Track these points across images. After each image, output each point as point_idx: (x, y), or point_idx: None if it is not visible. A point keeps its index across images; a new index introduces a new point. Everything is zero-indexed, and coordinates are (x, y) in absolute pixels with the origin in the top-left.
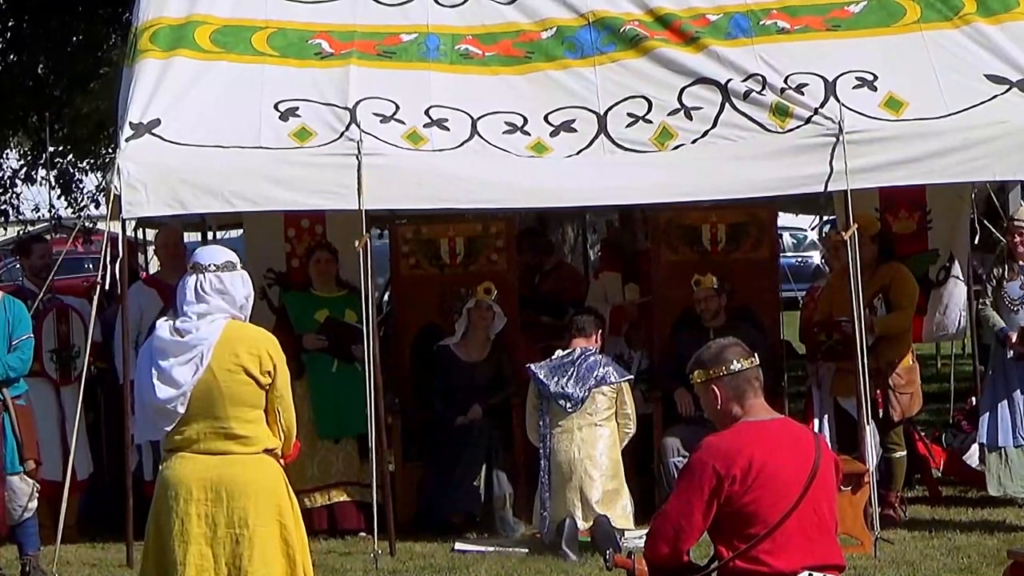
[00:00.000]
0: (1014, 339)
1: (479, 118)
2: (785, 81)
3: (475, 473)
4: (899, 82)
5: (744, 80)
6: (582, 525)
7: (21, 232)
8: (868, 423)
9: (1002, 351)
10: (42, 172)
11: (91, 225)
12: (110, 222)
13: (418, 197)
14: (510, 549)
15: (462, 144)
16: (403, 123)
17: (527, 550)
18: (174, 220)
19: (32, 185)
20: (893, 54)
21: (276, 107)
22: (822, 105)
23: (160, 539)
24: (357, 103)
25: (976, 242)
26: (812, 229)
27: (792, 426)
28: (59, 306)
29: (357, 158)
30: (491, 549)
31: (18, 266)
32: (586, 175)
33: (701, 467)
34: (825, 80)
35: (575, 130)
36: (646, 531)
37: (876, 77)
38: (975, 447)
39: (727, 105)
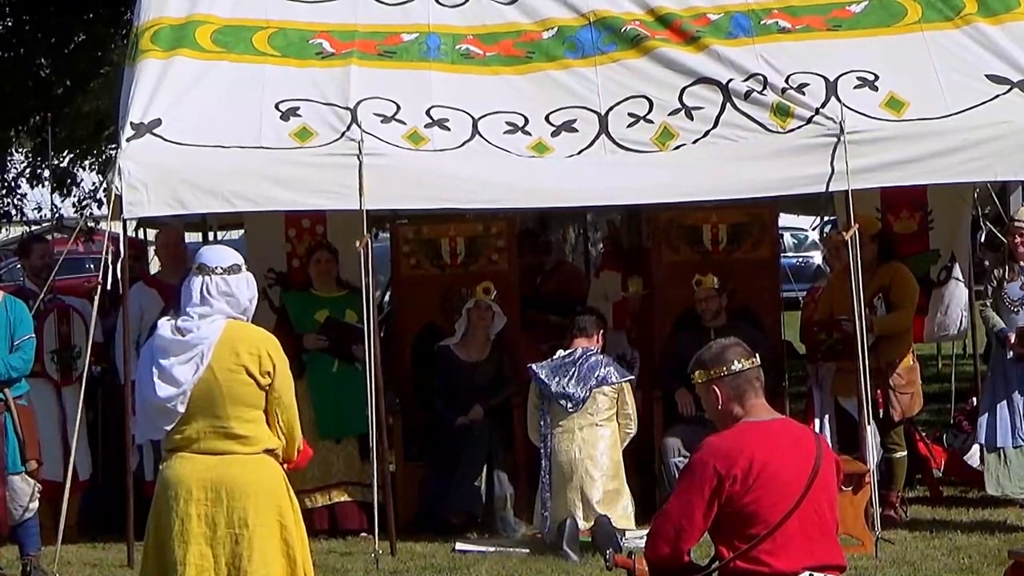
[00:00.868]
0: (1013, 340)
1: (480, 118)
2: (786, 81)
3: (476, 473)
4: (900, 82)
5: (745, 80)
6: (583, 525)
7: (24, 233)
8: (869, 423)
9: (1002, 352)
10: (45, 172)
11: (92, 225)
12: (111, 222)
13: (419, 197)
14: (511, 549)
15: (463, 144)
16: (404, 123)
17: (528, 550)
18: (175, 220)
19: (36, 186)
20: (894, 54)
21: (277, 107)
22: (823, 105)
23: (160, 539)
24: (358, 103)
25: (983, 241)
26: (813, 229)
27: (793, 426)
28: (60, 306)
29: (358, 158)
30: (492, 549)
31: (19, 266)
32: (587, 175)
33: (702, 467)
34: (826, 80)
35: (576, 130)
36: (647, 531)
37: (877, 77)
38: (976, 447)
39: (728, 105)
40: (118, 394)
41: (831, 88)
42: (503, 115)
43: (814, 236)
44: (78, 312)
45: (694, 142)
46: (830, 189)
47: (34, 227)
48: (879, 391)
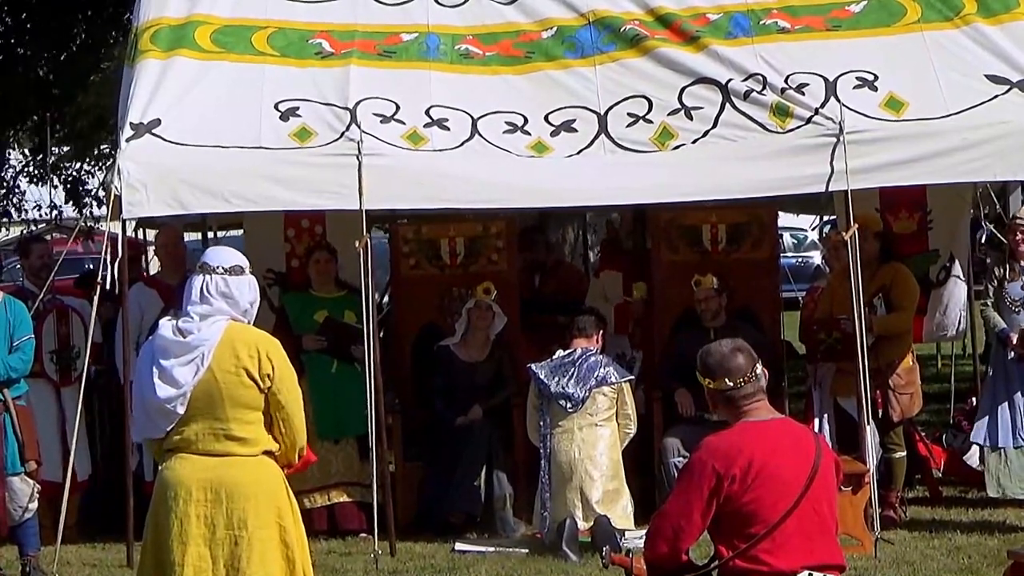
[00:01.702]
0: (1015, 340)
1: (479, 118)
2: (786, 81)
3: (475, 473)
4: (900, 82)
5: (744, 80)
6: (582, 525)
7: (24, 232)
8: (868, 423)
9: (1002, 352)
10: (44, 172)
11: (92, 225)
12: (110, 222)
13: (418, 197)
14: (510, 549)
15: (462, 144)
16: (403, 123)
17: (527, 550)
18: (174, 220)
19: (39, 185)
20: (893, 54)
21: (276, 107)
22: (823, 105)
23: (159, 539)
24: (357, 103)
25: (983, 240)
26: (812, 229)
27: (793, 426)
28: (59, 307)
29: (357, 158)
30: (491, 549)
31: (19, 266)
32: (586, 175)
33: (701, 466)
34: (825, 80)
35: (575, 130)
36: (646, 531)
37: (877, 77)
38: (975, 447)
39: (727, 105)
40: (117, 394)
41: (830, 88)
42: (502, 115)
43: (814, 236)
44: (77, 312)
45: (693, 142)
46: (829, 189)
47: (33, 227)
48: (878, 391)
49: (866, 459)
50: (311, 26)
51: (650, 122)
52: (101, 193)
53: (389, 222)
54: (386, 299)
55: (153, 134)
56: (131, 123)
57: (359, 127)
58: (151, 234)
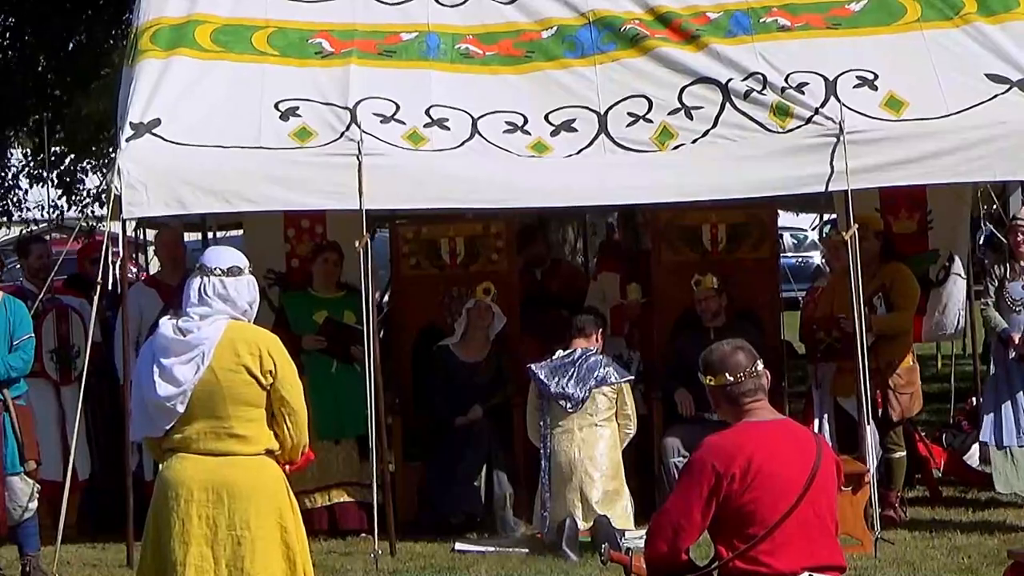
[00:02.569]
0: (1017, 340)
1: (479, 118)
2: (786, 80)
3: (475, 473)
4: (900, 82)
5: (744, 79)
6: (582, 525)
7: (24, 232)
8: (868, 423)
9: (1004, 351)
10: (44, 172)
11: (92, 225)
12: (111, 222)
13: (418, 197)
14: (510, 549)
15: (462, 144)
16: (403, 123)
17: (527, 550)
18: (174, 220)
19: (37, 185)
20: (894, 53)
21: (276, 107)
22: (823, 105)
23: (159, 539)
24: (357, 103)
25: (983, 241)
26: (812, 229)
27: (794, 427)
28: (59, 306)
29: (358, 158)
30: (491, 549)
31: (18, 266)
32: (586, 175)
33: (701, 466)
34: (826, 79)
35: (575, 130)
36: (646, 531)
37: (877, 76)
38: (975, 447)
39: (727, 105)
40: (117, 394)
41: (830, 88)
42: (502, 115)
43: (814, 236)
44: (77, 312)
45: (693, 142)
46: (829, 189)
47: (34, 227)
48: (878, 391)
49: (866, 459)
50: (311, 26)
51: (650, 122)
52: (100, 192)
53: (389, 222)
54: (386, 299)
55: (153, 134)
56: (131, 123)
57: (359, 127)
58: (151, 234)
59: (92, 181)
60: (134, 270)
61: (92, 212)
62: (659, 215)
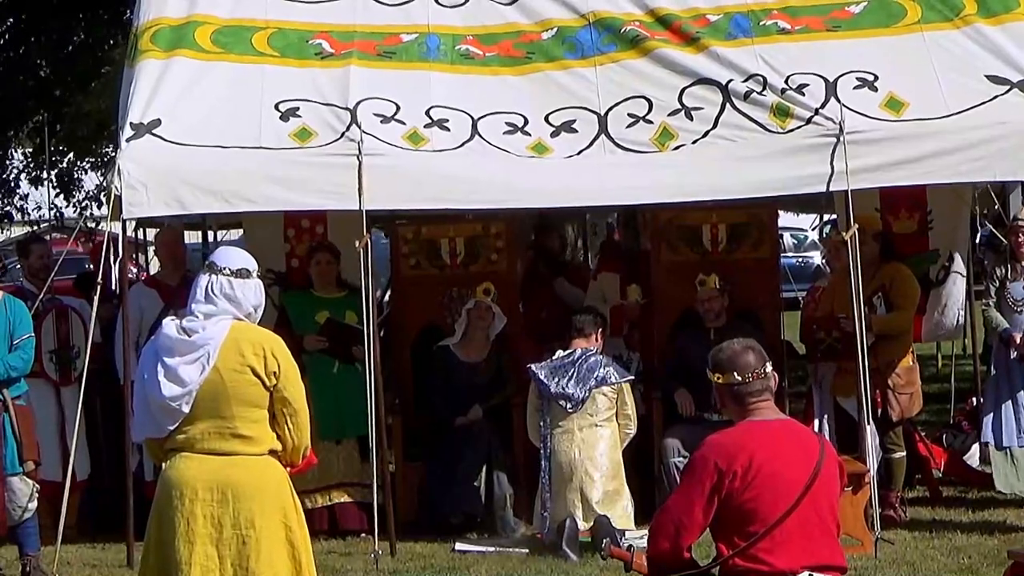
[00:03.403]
0: (1018, 339)
1: (479, 118)
2: (786, 81)
3: (476, 473)
4: (900, 82)
5: (744, 80)
6: (583, 525)
7: (25, 232)
8: (868, 423)
9: (1005, 351)
10: (44, 173)
11: (92, 225)
12: (111, 222)
13: (418, 197)
14: (510, 549)
15: (462, 144)
16: (403, 123)
17: (527, 550)
18: (174, 220)
19: (38, 186)
20: (894, 54)
21: (276, 107)
22: (823, 106)
23: (162, 539)
24: (358, 103)
25: (983, 241)
26: (813, 229)
27: (796, 427)
28: (59, 306)
29: (358, 158)
30: (491, 549)
31: (18, 266)
32: (586, 175)
33: (703, 463)
34: (826, 80)
35: (576, 130)
36: (646, 531)
37: (877, 77)
38: (975, 447)
39: (728, 105)
40: (117, 394)
41: (831, 88)
42: (503, 115)
43: (814, 236)
44: (77, 312)
45: (694, 142)
46: (830, 189)
47: (33, 227)
48: (878, 391)
49: (866, 459)
50: (311, 26)
51: (650, 123)
52: (102, 196)
53: (389, 222)
54: (387, 299)
55: (153, 134)
56: (131, 123)
57: (359, 127)
58: (151, 234)
59: (92, 181)
60: (134, 270)
61: (91, 212)
62: (659, 215)
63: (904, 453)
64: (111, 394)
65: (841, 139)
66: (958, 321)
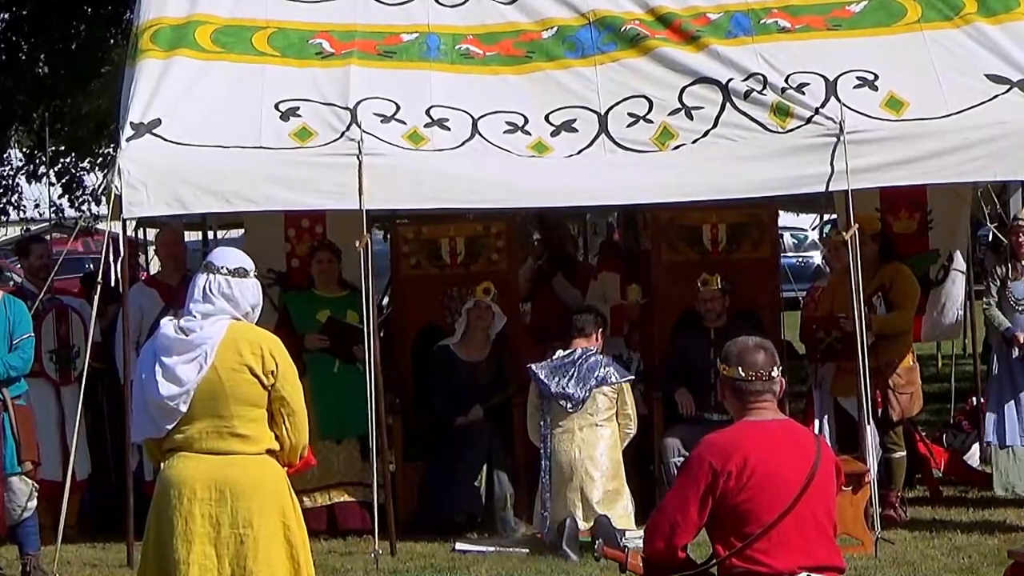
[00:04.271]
0: (1021, 339)
1: (480, 118)
2: (786, 80)
3: (476, 473)
4: (900, 82)
5: (745, 79)
6: (583, 525)
7: (23, 231)
8: (868, 423)
9: (1006, 350)
10: (43, 171)
11: (92, 225)
12: (111, 222)
13: (419, 197)
14: (511, 549)
15: (463, 144)
16: (404, 123)
17: (528, 550)
18: (174, 220)
19: (35, 183)
20: (894, 54)
21: (277, 107)
22: (823, 105)
23: (161, 538)
24: (358, 103)
25: (983, 241)
26: (813, 229)
27: (794, 427)
28: (59, 306)
29: (358, 158)
30: (492, 549)
31: (18, 266)
32: (587, 175)
33: (698, 463)
34: (826, 80)
35: (576, 130)
36: (645, 529)
37: (877, 77)
38: (976, 447)
39: (728, 105)
40: (118, 394)
41: (831, 88)
42: (503, 115)
43: (814, 236)
44: (76, 312)
45: (694, 142)
46: (830, 189)
47: (33, 227)
48: (878, 391)
49: (866, 459)
50: (311, 26)
51: (650, 122)
52: (102, 196)
53: (389, 222)
54: (387, 299)
55: (153, 134)
56: (131, 123)
57: (359, 127)
58: (151, 234)
59: (93, 180)
60: (143, 269)
61: (90, 212)
62: (659, 215)
63: (904, 453)
64: (115, 393)
65: (841, 139)
66: (957, 320)
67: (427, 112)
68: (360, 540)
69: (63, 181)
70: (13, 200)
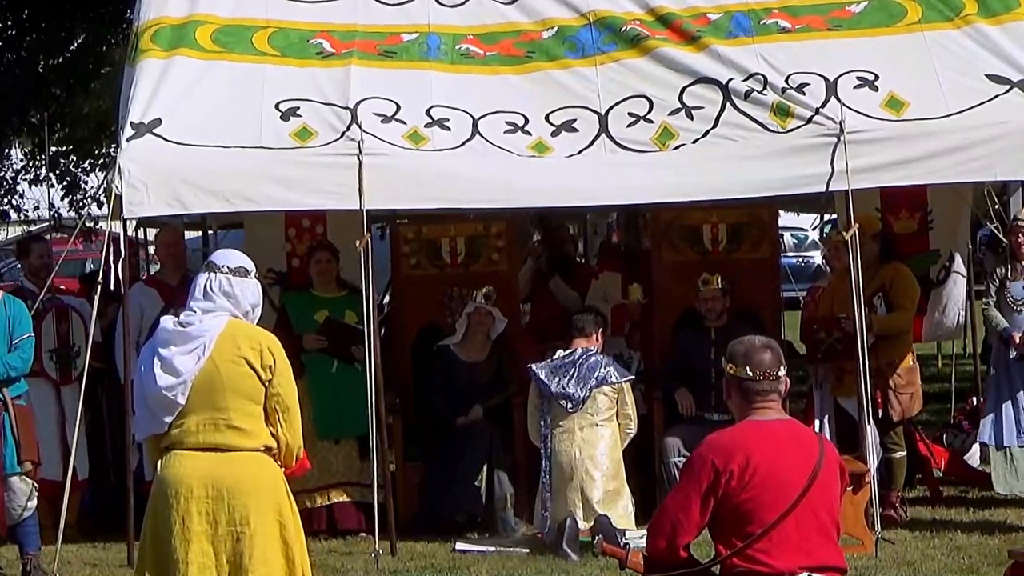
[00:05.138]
0: (1018, 339)
1: (480, 118)
2: (786, 81)
3: (476, 473)
4: (900, 82)
5: (745, 79)
6: (583, 525)
7: (24, 232)
8: (868, 423)
9: (1005, 351)
10: (43, 172)
11: (92, 225)
12: (111, 222)
13: (419, 197)
14: (511, 549)
15: (463, 144)
16: (404, 123)
17: (528, 550)
18: (175, 220)
19: (35, 185)
20: (894, 54)
21: (277, 107)
22: (823, 105)
23: (158, 538)
24: (358, 103)
25: (984, 241)
26: (813, 229)
27: (797, 428)
28: (59, 306)
29: (358, 158)
30: (492, 549)
31: (18, 266)
32: (587, 175)
33: (700, 462)
34: (826, 80)
35: (576, 130)
36: (647, 528)
37: (877, 77)
38: (976, 447)
39: (728, 105)
40: (118, 394)
41: (831, 88)
42: (503, 115)
43: (814, 236)
44: (77, 312)
45: (694, 142)
46: (830, 189)
47: (32, 227)
48: (879, 391)
49: (866, 459)
50: (312, 26)
51: (651, 122)
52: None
53: (389, 222)
54: (387, 299)
55: (154, 134)
56: (132, 123)
57: (360, 127)
58: (151, 234)
59: (94, 180)
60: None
61: (90, 212)
62: (660, 215)
63: (904, 453)
64: (115, 393)
65: (841, 139)
66: (958, 321)
67: (427, 112)
68: (360, 540)
69: (64, 183)
70: (13, 201)
